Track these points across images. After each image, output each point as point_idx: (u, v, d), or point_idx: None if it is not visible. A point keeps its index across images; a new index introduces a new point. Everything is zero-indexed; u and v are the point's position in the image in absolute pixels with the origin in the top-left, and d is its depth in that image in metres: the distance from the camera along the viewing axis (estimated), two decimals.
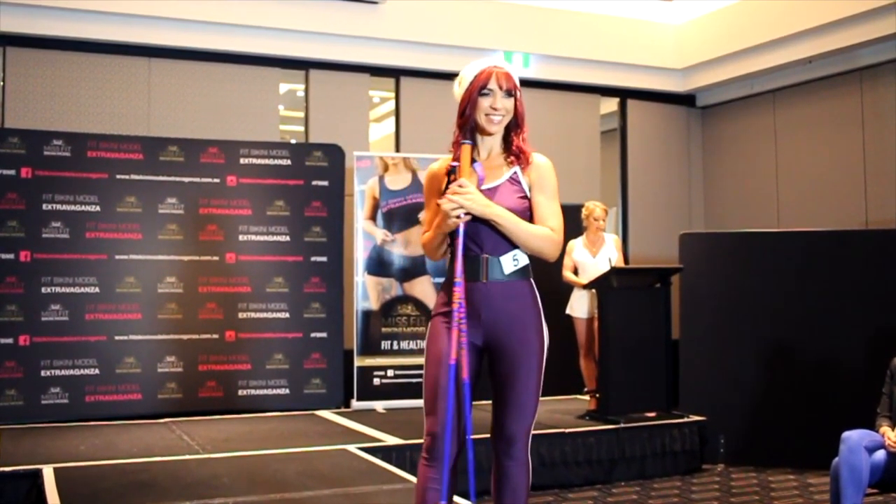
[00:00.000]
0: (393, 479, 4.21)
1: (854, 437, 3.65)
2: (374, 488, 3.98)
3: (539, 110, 8.19)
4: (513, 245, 2.53)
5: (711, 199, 8.82)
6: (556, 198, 2.57)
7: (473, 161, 2.54)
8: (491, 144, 2.62)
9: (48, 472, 4.21)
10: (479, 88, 2.54)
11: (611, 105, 8.77)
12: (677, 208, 8.71)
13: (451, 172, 2.55)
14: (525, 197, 2.56)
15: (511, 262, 2.54)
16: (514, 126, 2.61)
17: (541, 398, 2.59)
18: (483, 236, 2.51)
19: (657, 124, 8.74)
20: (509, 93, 2.56)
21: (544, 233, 2.51)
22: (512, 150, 2.60)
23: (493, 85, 2.54)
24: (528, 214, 2.55)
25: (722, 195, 8.68)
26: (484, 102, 2.54)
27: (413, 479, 4.24)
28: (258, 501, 3.75)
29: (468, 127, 2.58)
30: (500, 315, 2.53)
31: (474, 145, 2.57)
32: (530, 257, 2.59)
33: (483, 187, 2.54)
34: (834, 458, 3.92)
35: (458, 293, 2.44)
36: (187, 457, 4.67)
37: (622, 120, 8.68)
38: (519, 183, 2.57)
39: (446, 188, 2.50)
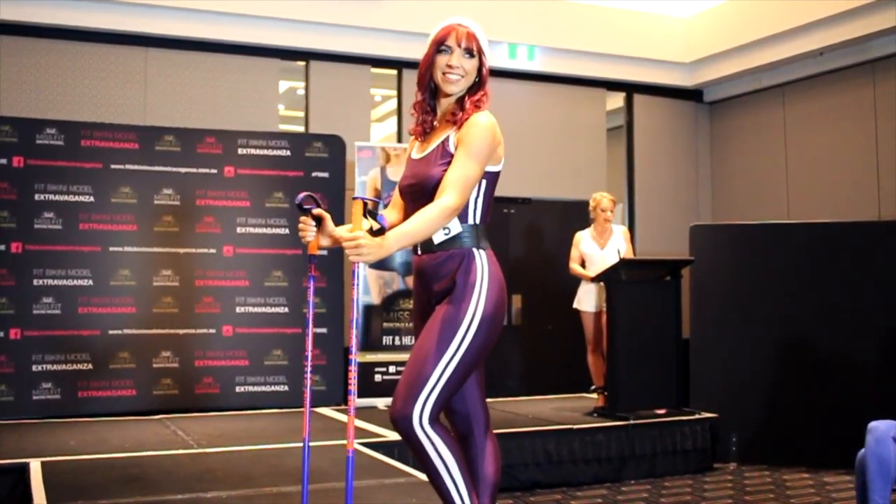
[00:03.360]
0: (395, 473, 4.04)
1: (882, 428, 3.45)
2: (375, 482, 3.81)
3: (544, 104, 8.06)
4: None
5: (719, 195, 8.65)
6: (472, 158, 2.30)
7: (376, 215, 2.31)
8: (445, 106, 2.47)
9: (35, 465, 4.04)
10: (437, 45, 2.42)
11: (616, 101, 8.63)
12: (685, 205, 8.54)
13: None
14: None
15: (440, 231, 2.36)
16: (475, 88, 2.45)
17: (489, 400, 2.45)
18: (413, 201, 2.38)
19: (664, 119, 8.58)
20: (470, 52, 2.41)
21: (437, 213, 2.23)
22: (457, 111, 2.42)
23: (451, 42, 2.40)
24: None
25: (730, 192, 8.51)
26: (441, 60, 2.41)
27: (416, 473, 4.08)
28: (254, 495, 3.58)
29: (426, 85, 2.46)
30: (435, 288, 2.40)
31: (373, 200, 2.33)
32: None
33: (416, 156, 2.46)
34: (853, 454, 3.72)
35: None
36: (180, 451, 4.50)
37: (628, 115, 8.52)
38: (448, 146, 2.38)
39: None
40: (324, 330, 6.37)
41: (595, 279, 5.68)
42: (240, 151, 6.31)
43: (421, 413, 2.26)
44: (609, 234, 5.84)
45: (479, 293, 2.34)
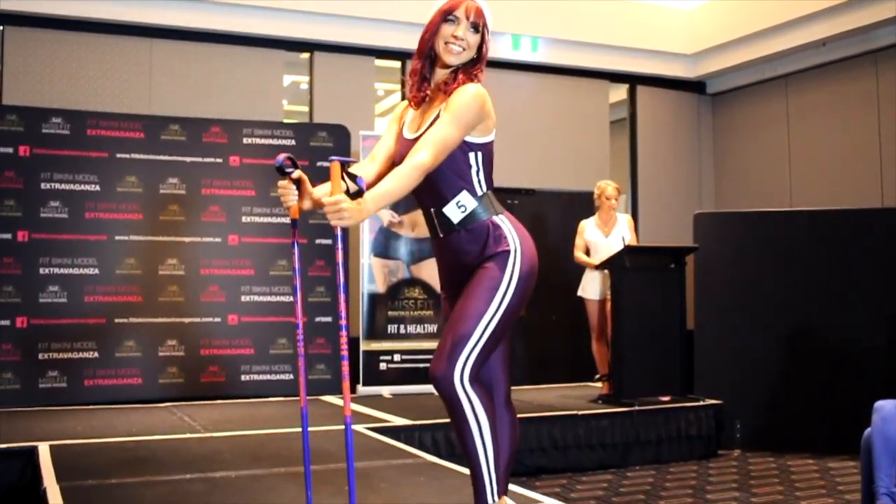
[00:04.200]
0: (402, 454, 4.06)
1: (888, 407, 3.45)
2: (383, 463, 3.83)
3: (547, 96, 8.08)
4: (452, 191, 2.36)
5: (722, 187, 8.66)
6: (453, 122, 2.28)
7: (354, 177, 2.19)
8: (440, 77, 2.44)
9: (44, 448, 4.06)
10: (444, 14, 2.41)
11: (620, 93, 8.64)
12: (687, 197, 8.55)
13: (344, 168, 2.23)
14: None
15: (457, 210, 2.38)
16: (471, 64, 2.43)
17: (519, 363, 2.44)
18: (420, 190, 2.33)
19: (667, 111, 8.60)
20: (476, 27, 2.40)
21: (409, 171, 2.21)
22: (450, 81, 2.41)
23: (459, 13, 2.39)
24: (456, 151, 2.33)
25: (733, 183, 8.53)
26: (446, 29, 2.40)
27: (423, 454, 4.10)
28: (262, 475, 3.60)
29: (426, 53, 2.44)
30: (466, 261, 2.40)
31: (348, 162, 2.25)
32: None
33: (409, 135, 2.43)
34: (856, 440, 3.72)
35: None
36: (188, 435, 4.52)
37: (632, 107, 8.53)
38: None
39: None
40: (328, 319, 6.39)
41: (599, 267, 5.70)
42: (245, 141, 6.33)
43: (462, 371, 2.29)
44: (614, 222, 5.86)
45: (514, 255, 2.37)
